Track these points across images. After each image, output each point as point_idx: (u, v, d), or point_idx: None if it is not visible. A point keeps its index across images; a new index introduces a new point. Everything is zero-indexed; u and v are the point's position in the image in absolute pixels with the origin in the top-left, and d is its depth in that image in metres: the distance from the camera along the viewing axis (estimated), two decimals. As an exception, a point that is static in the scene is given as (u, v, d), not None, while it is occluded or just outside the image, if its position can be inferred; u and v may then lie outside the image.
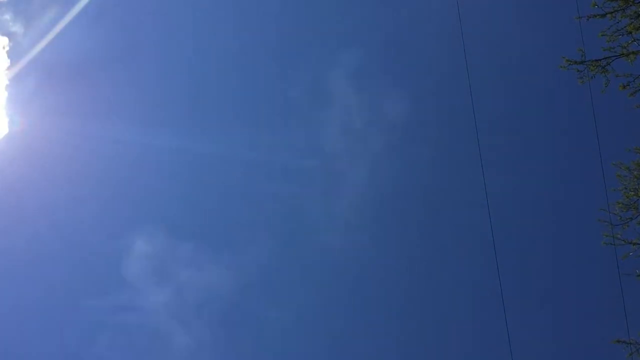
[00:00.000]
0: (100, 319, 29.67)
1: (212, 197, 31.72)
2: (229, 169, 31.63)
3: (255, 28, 31.62)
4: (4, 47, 28.29)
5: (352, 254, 29.93)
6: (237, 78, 32.00)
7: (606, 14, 16.12)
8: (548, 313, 27.42)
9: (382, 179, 30.51)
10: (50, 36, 28.94)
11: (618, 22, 16.15)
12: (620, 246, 16.25)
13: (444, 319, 28.56)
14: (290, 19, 31.54)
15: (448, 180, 29.68)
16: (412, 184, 30.26)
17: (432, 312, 28.86)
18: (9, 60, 28.41)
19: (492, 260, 19.10)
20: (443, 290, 28.98)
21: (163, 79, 32.19)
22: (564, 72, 16.61)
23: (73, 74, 30.47)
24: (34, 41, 29.09)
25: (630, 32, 16.02)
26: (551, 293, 27.69)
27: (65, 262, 30.83)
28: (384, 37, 30.74)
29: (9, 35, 28.81)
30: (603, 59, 16.41)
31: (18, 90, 29.68)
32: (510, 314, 19.08)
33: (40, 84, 30.01)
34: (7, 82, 28.52)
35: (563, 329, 26.96)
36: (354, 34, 31.26)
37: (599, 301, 25.90)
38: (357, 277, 29.97)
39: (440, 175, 29.90)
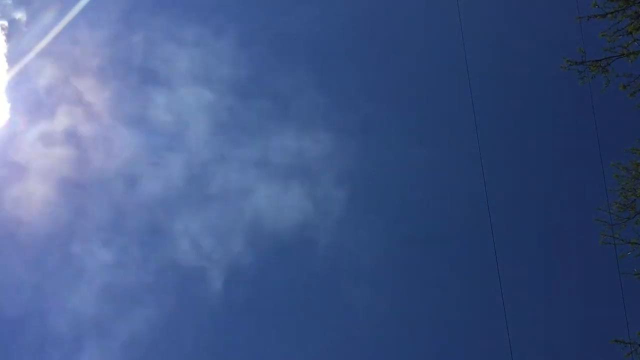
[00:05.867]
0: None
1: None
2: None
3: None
4: (2, 29, 28.38)
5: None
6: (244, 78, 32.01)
7: (606, 14, 16.16)
8: (546, 312, 27.45)
9: (383, 178, 30.60)
10: (52, 32, 29.01)
11: (618, 22, 16.19)
12: (618, 245, 16.28)
13: (444, 319, 28.60)
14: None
15: (448, 180, 29.71)
16: (412, 183, 30.31)
17: (431, 313, 28.89)
18: (7, 45, 28.48)
19: (492, 260, 19.13)
20: (442, 290, 29.02)
21: (164, 77, 32.20)
22: (565, 72, 16.66)
23: (74, 69, 30.52)
24: (35, 34, 29.17)
25: (631, 32, 16.06)
26: (550, 293, 27.73)
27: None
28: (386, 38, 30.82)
29: (10, 22, 28.95)
30: (603, 59, 16.44)
31: (17, 89, 29.78)
32: (510, 313, 19.09)
33: (41, 79, 30.06)
34: (7, 67, 28.59)
35: (562, 329, 27.00)
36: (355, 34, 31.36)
37: (597, 301, 25.95)
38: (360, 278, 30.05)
39: (440, 175, 29.93)
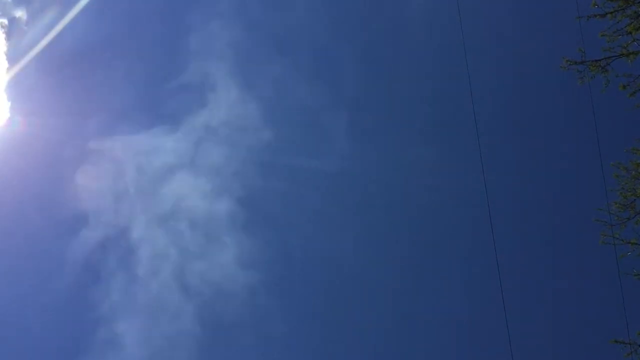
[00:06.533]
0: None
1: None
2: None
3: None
4: (3, 28, 28.41)
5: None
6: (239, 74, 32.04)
7: (606, 14, 16.16)
8: (546, 312, 27.43)
9: (383, 178, 30.63)
10: (53, 31, 29.00)
11: (618, 22, 16.18)
12: (618, 245, 16.26)
13: (444, 320, 28.57)
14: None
15: (448, 180, 29.69)
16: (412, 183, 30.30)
17: (431, 314, 28.87)
18: (7, 44, 28.52)
19: (492, 260, 19.12)
20: (443, 290, 29.00)
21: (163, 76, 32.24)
22: (565, 72, 16.64)
23: (74, 67, 30.52)
24: (34, 32, 29.18)
25: (630, 32, 16.04)
26: (550, 293, 27.71)
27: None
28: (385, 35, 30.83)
29: (10, 21, 28.97)
30: (603, 59, 16.43)
31: (17, 88, 29.78)
32: (510, 314, 19.08)
33: (40, 78, 30.06)
34: (7, 66, 28.63)
35: (562, 329, 26.97)
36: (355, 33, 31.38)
37: (597, 301, 25.91)
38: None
39: (441, 175, 29.91)
